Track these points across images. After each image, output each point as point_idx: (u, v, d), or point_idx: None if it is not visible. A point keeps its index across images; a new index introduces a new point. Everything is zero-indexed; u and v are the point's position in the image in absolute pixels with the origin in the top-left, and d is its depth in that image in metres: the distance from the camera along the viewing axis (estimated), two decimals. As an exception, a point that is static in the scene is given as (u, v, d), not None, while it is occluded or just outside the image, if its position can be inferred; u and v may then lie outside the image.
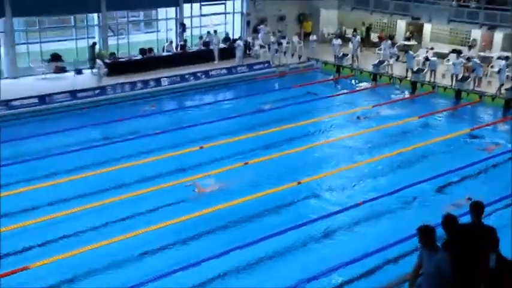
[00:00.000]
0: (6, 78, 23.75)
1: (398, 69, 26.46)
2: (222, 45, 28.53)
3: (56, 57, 24.84)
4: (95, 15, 25.94)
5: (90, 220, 12.87)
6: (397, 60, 27.16)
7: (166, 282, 10.55)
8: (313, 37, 29.66)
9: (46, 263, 11.13)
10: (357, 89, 25.65)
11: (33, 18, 24.81)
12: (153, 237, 12.15)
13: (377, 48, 28.80)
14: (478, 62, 24.32)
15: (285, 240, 12.08)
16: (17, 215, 13.05)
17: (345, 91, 24.99)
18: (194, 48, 28.13)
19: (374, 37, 31.23)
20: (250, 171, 15.59)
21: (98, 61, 23.93)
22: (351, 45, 28.32)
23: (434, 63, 24.92)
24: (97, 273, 11.02)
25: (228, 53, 28.11)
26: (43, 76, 24.29)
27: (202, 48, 28.04)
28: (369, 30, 31.81)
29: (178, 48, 27.60)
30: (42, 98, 21.36)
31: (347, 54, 28.12)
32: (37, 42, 24.85)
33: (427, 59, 25.82)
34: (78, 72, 24.10)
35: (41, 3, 23.66)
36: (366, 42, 30.78)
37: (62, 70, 24.61)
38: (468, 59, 25.19)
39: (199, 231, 12.52)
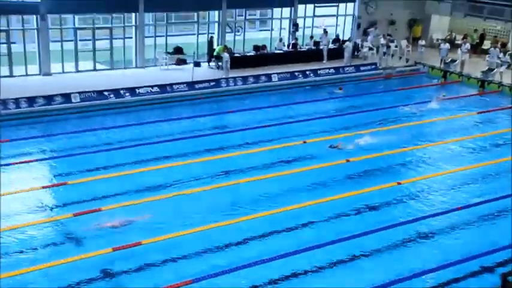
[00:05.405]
0: (135, 67, 25.29)
1: (509, 78, 25.12)
2: (331, 46, 28.61)
3: (178, 50, 25.83)
4: (216, 12, 26.98)
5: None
6: (508, 67, 25.92)
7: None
8: (422, 42, 29.08)
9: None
10: (462, 95, 24.49)
11: (161, 14, 26.11)
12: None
13: (487, 56, 27.52)
14: None
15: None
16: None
17: (449, 96, 23.92)
18: (305, 47, 28.32)
19: (487, 44, 29.87)
20: (350, 168, 15.93)
21: (225, 54, 24.47)
22: (459, 51, 27.38)
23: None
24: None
25: (336, 53, 28.14)
26: (166, 67, 25.42)
27: (313, 47, 28.24)
28: (483, 37, 30.52)
29: (290, 47, 27.94)
30: (164, 87, 22.27)
31: (455, 60, 27.25)
32: (163, 36, 26.11)
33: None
34: (197, 64, 24.44)
35: (170, 0, 24.98)
36: (477, 49, 29.59)
37: (183, 62, 25.44)
38: None
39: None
